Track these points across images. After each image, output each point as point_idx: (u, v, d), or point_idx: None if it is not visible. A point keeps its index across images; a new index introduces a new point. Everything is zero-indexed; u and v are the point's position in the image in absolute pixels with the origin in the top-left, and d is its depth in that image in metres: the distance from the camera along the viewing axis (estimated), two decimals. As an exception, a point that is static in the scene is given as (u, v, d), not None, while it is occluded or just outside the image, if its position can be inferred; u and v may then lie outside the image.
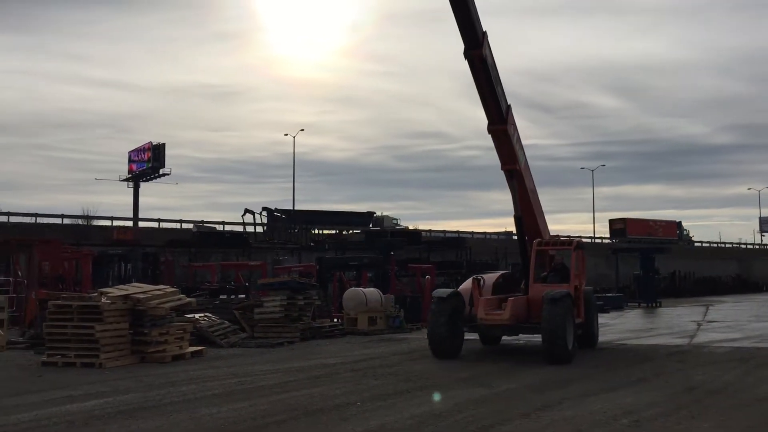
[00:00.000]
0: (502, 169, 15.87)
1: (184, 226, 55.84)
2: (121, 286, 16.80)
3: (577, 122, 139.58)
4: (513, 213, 16.20)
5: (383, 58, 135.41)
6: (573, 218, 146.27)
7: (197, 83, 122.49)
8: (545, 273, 16.06)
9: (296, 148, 68.65)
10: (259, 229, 52.89)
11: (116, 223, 55.23)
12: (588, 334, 16.36)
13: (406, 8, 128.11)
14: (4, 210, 50.13)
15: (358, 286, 25.96)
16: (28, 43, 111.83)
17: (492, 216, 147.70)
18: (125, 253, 36.57)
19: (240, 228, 53.22)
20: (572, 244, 16.11)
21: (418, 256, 42.38)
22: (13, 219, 49.44)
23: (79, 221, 56.57)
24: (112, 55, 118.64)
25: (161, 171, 70.60)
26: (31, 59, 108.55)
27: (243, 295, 26.79)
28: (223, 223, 58.40)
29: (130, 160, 71.92)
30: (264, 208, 54.69)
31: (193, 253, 41.54)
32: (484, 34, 14.35)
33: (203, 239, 45.43)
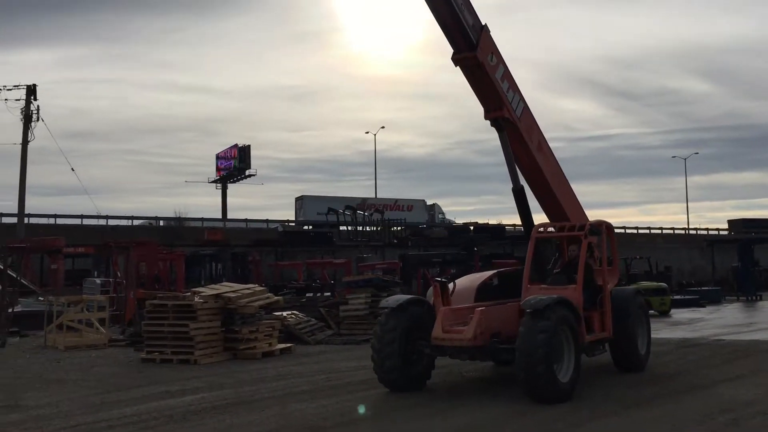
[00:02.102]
0: (485, 117, 12.12)
1: (270, 225, 57.28)
2: (212, 286, 17.44)
3: (665, 109, 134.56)
4: (519, 187, 12.42)
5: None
6: (664, 209, 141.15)
7: (278, 85, 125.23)
8: (557, 269, 12.26)
9: (377, 146, 69.31)
10: (343, 226, 53.64)
11: (206, 224, 57.18)
12: (627, 353, 11.92)
13: (482, 2, 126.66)
14: (103, 213, 52.83)
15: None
16: (118, 53, 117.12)
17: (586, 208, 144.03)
18: (215, 253, 37.88)
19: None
20: (583, 228, 11.43)
21: (502, 251, 41.96)
22: (111, 222, 52.02)
23: (172, 223, 58.95)
24: (196, 60, 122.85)
25: (247, 172, 72.68)
26: (120, 69, 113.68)
27: (328, 293, 27.24)
28: (308, 221, 59.56)
29: (218, 162, 74.32)
30: (347, 207, 55.43)
31: (280, 252, 42.57)
32: (483, 27, 11.54)
33: (288, 238, 46.47)
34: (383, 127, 71.72)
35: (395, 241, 49.39)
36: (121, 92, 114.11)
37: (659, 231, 72.39)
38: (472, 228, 56.43)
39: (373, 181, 69.29)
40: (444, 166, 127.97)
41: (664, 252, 52.98)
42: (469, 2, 11.47)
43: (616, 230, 13.65)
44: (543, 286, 11.25)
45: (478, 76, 11.68)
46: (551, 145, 13.20)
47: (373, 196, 68.24)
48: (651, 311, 16.95)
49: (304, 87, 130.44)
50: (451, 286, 11.47)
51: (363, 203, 61.60)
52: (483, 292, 11.72)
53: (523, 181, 12.66)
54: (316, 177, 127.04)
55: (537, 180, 12.81)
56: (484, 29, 11.58)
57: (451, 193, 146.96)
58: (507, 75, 12.04)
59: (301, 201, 63.11)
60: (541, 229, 12.03)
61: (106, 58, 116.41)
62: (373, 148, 69.13)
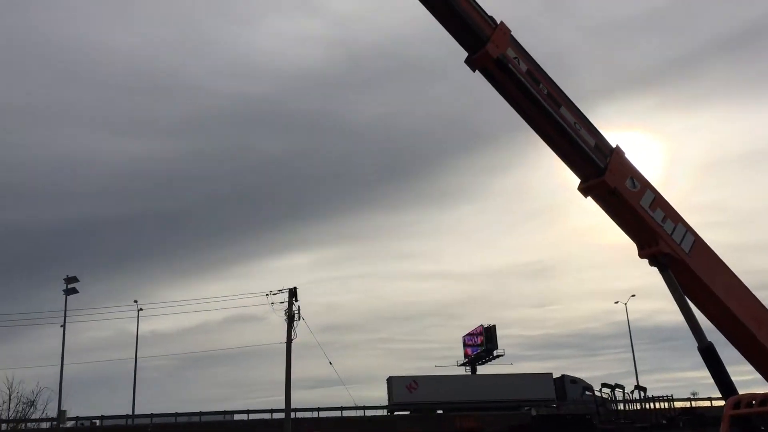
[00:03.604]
0: (640, 256, 10.22)
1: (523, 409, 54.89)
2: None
3: None
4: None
5: (709, 208, 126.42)
6: None
7: (516, 262, 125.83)
8: None
9: (629, 315, 65.20)
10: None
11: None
12: None
13: (689, 157, 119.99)
14: (360, 404, 54.54)
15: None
16: (363, 250, 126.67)
17: None
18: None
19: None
20: None
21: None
22: (369, 412, 53.41)
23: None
24: (435, 248, 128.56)
25: (495, 352, 71.71)
26: (367, 263, 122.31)
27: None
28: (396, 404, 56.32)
29: (465, 345, 74.49)
30: (603, 384, 51.67)
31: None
32: (496, 26, 9.78)
33: (544, 422, 43.98)
34: (633, 296, 67.81)
35: (664, 421, 44.48)
36: (369, 285, 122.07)
37: None
38: None
39: (630, 353, 64.42)
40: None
41: None
42: (588, 120, 10.05)
43: None
44: None
45: (614, 205, 10.08)
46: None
47: (630, 369, 63.25)
48: None
49: (543, 262, 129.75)
50: None
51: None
52: None
53: (712, 333, 10.20)
54: (566, 353, 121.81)
55: (732, 332, 10.41)
56: (616, 150, 10.10)
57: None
58: (660, 202, 10.17)
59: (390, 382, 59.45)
60: (739, 403, 9.03)
61: (352, 255, 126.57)
62: (626, 318, 65.02)
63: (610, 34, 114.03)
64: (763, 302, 10.66)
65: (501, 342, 72.57)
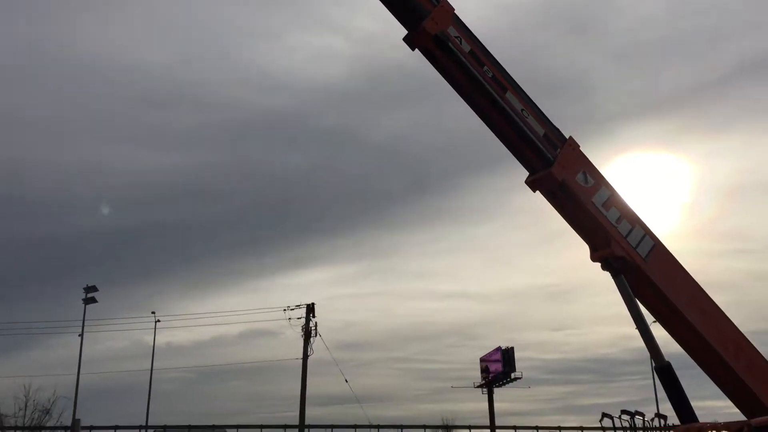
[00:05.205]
0: (591, 259, 9.34)
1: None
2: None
3: None
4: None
5: (732, 236, 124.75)
6: None
7: (534, 284, 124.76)
8: None
9: (650, 342, 63.89)
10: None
11: (474, 431, 55.60)
12: None
13: (715, 182, 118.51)
14: (374, 423, 53.93)
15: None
16: (381, 267, 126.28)
17: None
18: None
19: (599, 433, 49.64)
20: (743, 430, 7.64)
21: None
22: (382, 431, 52.79)
23: (439, 431, 58.18)
24: (454, 268, 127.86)
25: (512, 375, 70.72)
26: (384, 281, 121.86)
27: None
28: (582, 428, 55.28)
29: (482, 367, 73.62)
30: (623, 411, 50.60)
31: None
32: (439, 4, 9.01)
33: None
34: (654, 321, 66.61)
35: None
36: (386, 303, 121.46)
37: None
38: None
39: (649, 380, 63.24)
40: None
41: None
42: (537, 108, 9.19)
43: None
44: None
45: (562, 201, 9.15)
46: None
47: (648, 397, 62.03)
48: None
49: (561, 285, 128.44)
50: None
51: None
52: None
53: (672, 351, 9.06)
54: (585, 378, 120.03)
55: (696, 349, 9.66)
56: (568, 141, 9.20)
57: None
58: (616, 201, 9.18)
59: None
60: None
61: (370, 273, 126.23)
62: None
63: (634, 57, 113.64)
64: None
65: (519, 365, 71.68)
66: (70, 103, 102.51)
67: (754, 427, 7.20)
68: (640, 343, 9.43)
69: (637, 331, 9.88)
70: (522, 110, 8.91)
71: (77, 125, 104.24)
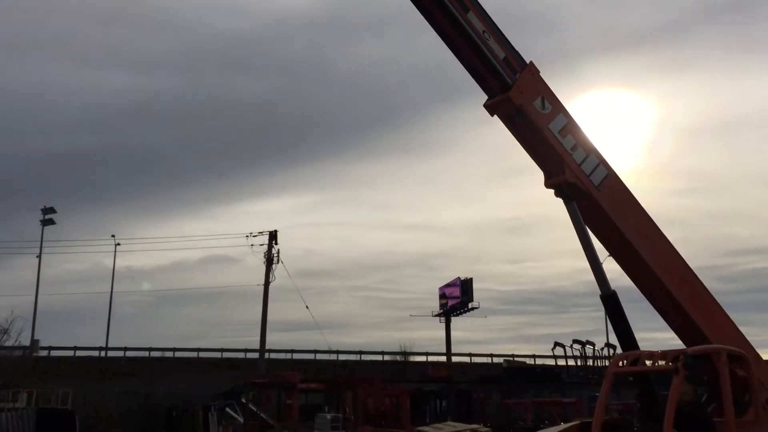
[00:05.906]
0: (546, 185, 9.49)
1: (495, 360, 55.91)
2: (436, 425, 16.93)
3: None
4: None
5: (689, 174, 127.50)
6: None
7: (494, 218, 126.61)
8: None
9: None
10: (571, 362, 50.72)
11: (431, 358, 57.35)
12: None
13: (674, 121, 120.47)
14: (334, 348, 55.17)
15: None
16: (344, 197, 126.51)
17: None
18: (439, 389, 37.36)
19: (551, 362, 51.64)
20: (679, 359, 7.41)
21: None
22: (342, 357, 54.03)
23: (397, 357, 59.78)
24: (416, 200, 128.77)
25: (470, 305, 72.50)
26: (347, 212, 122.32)
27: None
28: (534, 356, 57.33)
29: (441, 296, 75.27)
30: (575, 341, 52.58)
31: (505, 389, 41.00)
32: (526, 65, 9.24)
33: (514, 375, 44.81)
34: (609, 256, 68.43)
35: (630, 378, 45.48)
36: (348, 233, 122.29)
37: None
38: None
39: (601, 313, 65.46)
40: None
41: None
42: (499, 30, 9.14)
43: None
44: None
45: (520, 127, 9.19)
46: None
47: (599, 328, 64.41)
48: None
49: (521, 219, 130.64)
50: None
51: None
52: None
53: (623, 285, 9.45)
54: (539, 309, 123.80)
55: (642, 279, 9.71)
56: (528, 66, 9.21)
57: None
58: (572, 129, 9.27)
59: None
60: (622, 363, 8.54)
61: (333, 202, 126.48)
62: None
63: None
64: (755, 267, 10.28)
65: (476, 295, 73.42)
66: (21, 23, 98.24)
67: (689, 355, 7.50)
68: (592, 277, 9.70)
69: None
70: (483, 32, 8.89)
71: (31, 45, 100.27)
